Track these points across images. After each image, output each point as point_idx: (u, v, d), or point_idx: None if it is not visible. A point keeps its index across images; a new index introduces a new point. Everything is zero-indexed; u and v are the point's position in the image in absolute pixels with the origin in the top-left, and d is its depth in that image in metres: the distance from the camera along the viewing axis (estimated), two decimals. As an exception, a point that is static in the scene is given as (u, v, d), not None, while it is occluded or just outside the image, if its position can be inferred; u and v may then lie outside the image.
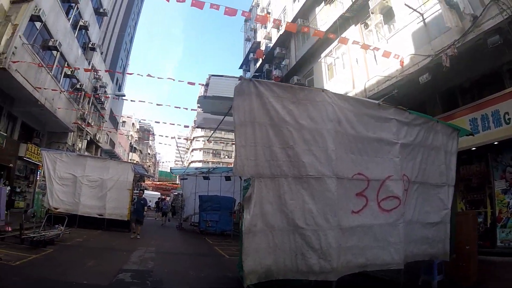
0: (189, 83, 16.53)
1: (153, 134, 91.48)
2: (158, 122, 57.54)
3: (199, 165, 51.96)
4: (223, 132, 75.16)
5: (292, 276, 5.48)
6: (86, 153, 26.00)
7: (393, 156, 6.81)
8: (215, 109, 9.51)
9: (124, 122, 63.19)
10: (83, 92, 25.95)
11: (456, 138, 8.33)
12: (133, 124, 73.68)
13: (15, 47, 14.30)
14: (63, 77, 21.94)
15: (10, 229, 10.98)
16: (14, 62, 14.19)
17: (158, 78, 15.89)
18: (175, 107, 28.82)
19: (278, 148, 5.49)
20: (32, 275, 6.86)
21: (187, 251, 12.40)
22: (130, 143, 70.34)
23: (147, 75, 15.82)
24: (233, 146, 53.81)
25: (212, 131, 17.23)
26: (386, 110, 7.01)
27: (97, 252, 10.32)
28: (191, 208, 22.25)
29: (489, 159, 10.68)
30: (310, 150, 5.66)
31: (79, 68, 20.39)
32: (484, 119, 10.08)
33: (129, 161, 26.31)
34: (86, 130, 28.17)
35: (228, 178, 19.53)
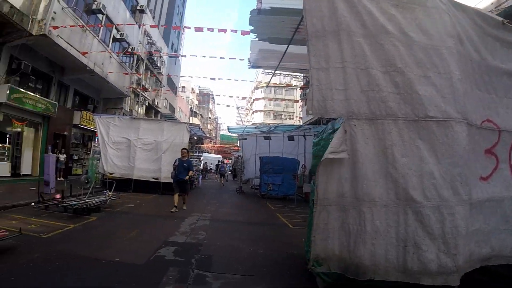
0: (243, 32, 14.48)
1: (213, 97, 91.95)
2: (214, 79, 54.78)
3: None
4: (283, 92, 73.10)
5: (395, 278, 3.56)
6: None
7: (530, 99, 4.45)
8: (274, 32, 6.99)
9: (183, 87, 63.45)
10: (135, 56, 25.20)
11: None
12: (192, 88, 73.89)
13: (54, 12, 13.95)
14: (112, 41, 21.21)
15: (59, 196, 10.23)
16: (55, 28, 13.83)
17: (219, 30, 13.78)
18: (230, 58, 26.19)
19: (379, 72, 3.39)
20: (58, 250, 5.68)
21: (246, 218, 10.91)
22: (191, 107, 70.96)
23: (202, 28, 14.06)
24: (295, 106, 51.64)
25: (272, 73, 14.63)
26: (512, 33, 4.59)
27: (145, 220, 9.18)
28: (252, 170, 20.98)
29: None
30: (427, 77, 3.55)
31: (121, 24, 19.18)
32: None
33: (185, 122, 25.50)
34: (143, 95, 27.65)
35: (291, 138, 17.75)
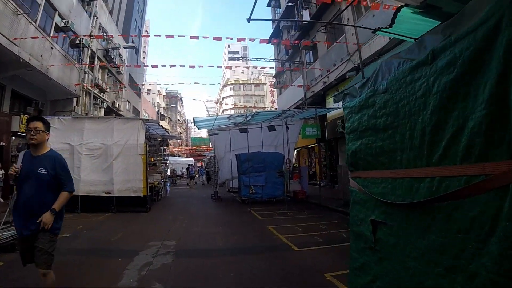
0: (215, 38, 12.87)
1: (181, 99, 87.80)
2: (182, 83, 48.74)
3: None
4: (253, 87, 70.44)
5: None
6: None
7: None
8: None
9: (149, 90, 59.51)
10: (84, 48, 21.28)
11: None
12: (158, 91, 69.75)
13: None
14: (54, 30, 17.29)
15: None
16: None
17: (179, 36, 11.47)
18: (199, 66, 23.27)
19: None
20: None
21: (228, 242, 7.49)
22: (158, 110, 66.92)
23: (166, 36, 11.25)
24: (266, 100, 49.17)
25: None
26: None
27: (72, 263, 5.75)
28: (227, 170, 17.64)
29: None
30: None
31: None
32: None
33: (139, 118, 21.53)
34: (98, 95, 23.64)
35: (272, 128, 14.60)
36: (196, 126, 15.26)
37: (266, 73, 68.62)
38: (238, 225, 9.50)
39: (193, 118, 13.10)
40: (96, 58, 23.75)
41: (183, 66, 16.74)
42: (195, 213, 12.34)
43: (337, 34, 17.89)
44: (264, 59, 23.34)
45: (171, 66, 15.95)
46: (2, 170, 14.59)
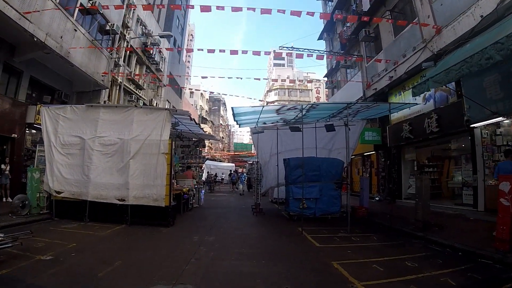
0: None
1: (224, 103, 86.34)
2: (227, 77, 45.83)
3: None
4: (298, 93, 67.49)
5: None
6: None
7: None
8: None
9: (191, 92, 58.32)
10: (116, 36, 19.27)
11: None
12: (201, 94, 68.42)
13: None
14: (78, 11, 15.27)
15: None
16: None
17: (232, 9, 9.38)
18: (242, 51, 20.79)
19: None
20: None
21: None
22: (200, 114, 65.72)
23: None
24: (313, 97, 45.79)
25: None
26: None
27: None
28: (273, 177, 14.67)
29: None
30: None
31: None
32: None
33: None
34: (126, 87, 21.48)
35: (330, 128, 11.54)
36: (236, 122, 12.27)
37: (313, 79, 65.93)
38: (289, 259, 6.44)
39: (232, 108, 10.25)
40: (130, 49, 21.83)
41: (224, 51, 14.05)
42: (229, 233, 9.41)
43: (407, 19, 14.65)
44: (319, 51, 20.25)
45: (208, 51, 13.54)
46: (8, 165, 12.78)
